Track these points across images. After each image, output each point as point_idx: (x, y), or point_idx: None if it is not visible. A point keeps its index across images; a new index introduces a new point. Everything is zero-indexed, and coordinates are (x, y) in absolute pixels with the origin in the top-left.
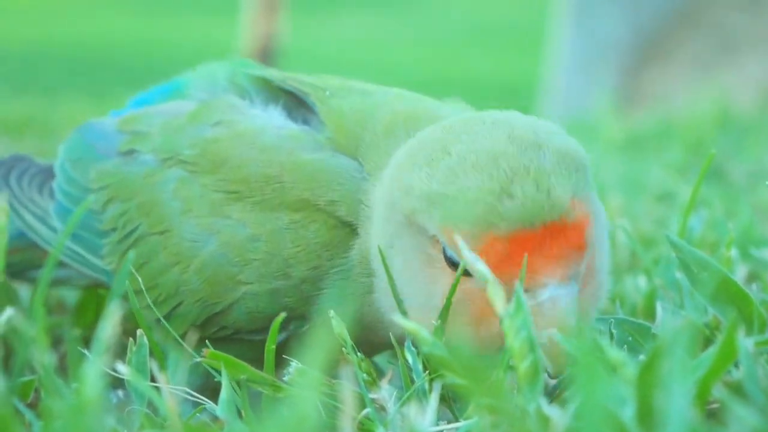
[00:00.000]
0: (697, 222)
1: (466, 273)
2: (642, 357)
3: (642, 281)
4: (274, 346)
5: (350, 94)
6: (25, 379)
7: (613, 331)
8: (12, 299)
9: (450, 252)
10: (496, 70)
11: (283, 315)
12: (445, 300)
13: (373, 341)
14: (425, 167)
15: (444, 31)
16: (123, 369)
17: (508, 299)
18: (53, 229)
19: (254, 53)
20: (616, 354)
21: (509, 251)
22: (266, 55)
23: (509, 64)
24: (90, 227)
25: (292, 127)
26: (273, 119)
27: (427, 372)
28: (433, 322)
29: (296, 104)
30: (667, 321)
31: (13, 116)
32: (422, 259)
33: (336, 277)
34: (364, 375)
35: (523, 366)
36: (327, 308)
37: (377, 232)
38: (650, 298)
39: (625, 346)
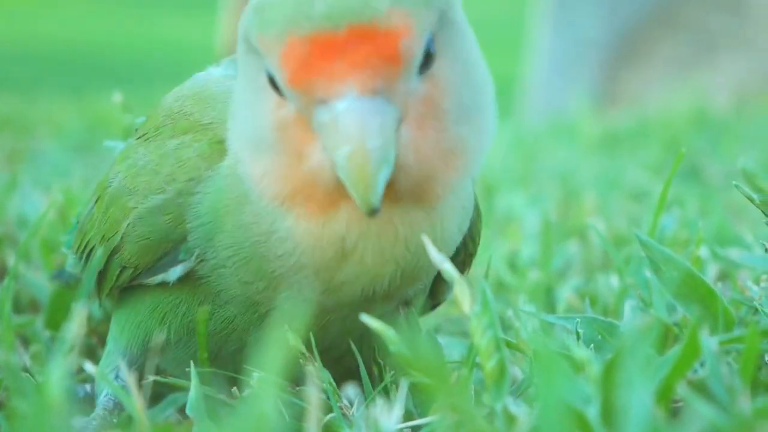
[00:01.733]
0: (669, 221)
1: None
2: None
3: (614, 280)
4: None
5: None
6: None
7: (580, 330)
8: None
9: (267, 66)
10: None
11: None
12: (268, 127)
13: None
14: None
15: None
16: (90, 367)
17: (306, 111)
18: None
19: (231, 51)
20: (580, 352)
21: (308, 55)
22: None
23: (489, 63)
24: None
25: (221, 73)
26: (212, 72)
27: (392, 371)
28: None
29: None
30: (634, 320)
31: None
32: (252, 86)
33: (208, 187)
34: (326, 384)
35: (490, 365)
36: (203, 216)
37: None
38: (621, 297)
39: (593, 345)
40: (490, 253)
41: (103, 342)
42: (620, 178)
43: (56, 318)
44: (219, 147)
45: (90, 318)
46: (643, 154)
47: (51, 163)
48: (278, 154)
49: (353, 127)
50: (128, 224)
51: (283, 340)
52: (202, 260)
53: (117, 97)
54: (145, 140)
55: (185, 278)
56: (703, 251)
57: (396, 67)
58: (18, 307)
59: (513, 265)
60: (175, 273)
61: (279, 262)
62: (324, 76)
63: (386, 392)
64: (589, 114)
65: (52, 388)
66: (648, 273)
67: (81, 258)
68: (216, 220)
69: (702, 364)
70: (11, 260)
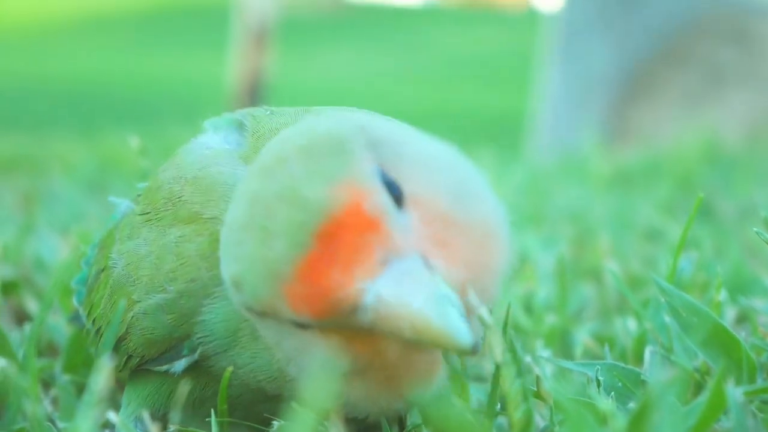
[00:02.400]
0: (686, 263)
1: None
2: (632, 405)
3: (631, 324)
4: (225, 407)
5: (290, 114)
6: (17, 427)
7: (600, 378)
8: (4, 344)
9: (291, 319)
10: (484, 104)
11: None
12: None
13: (266, 390)
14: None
15: (431, 65)
16: (114, 417)
17: (328, 337)
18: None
19: (242, 88)
20: (605, 404)
21: (309, 290)
22: (254, 90)
23: (497, 98)
24: (84, 282)
25: (220, 146)
26: (211, 142)
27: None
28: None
29: (242, 128)
30: (656, 368)
31: (2, 153)
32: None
33: (217, 292)
34: None
35: (517, 415)
36: (212, 331)
37: None
38: (640, 342)
39: (614, 392)
40: (510, 300)
41: (122, 386)
42: (633, 217)
43: (75, 362)
44: (217, 246)
45: None
46: (654, 191)
47: (65, 204)
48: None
49: (393, 305)
50: (132, 316)
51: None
52: (210, 358)
53: (134, 141)
54: (148, 221)
55: (191, 367)
56: (722, 295)
57: (378, 229)
58: (38, 351)
59: (528, 308)
60: (179, 366)
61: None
62: (339, 291)
63: None
64: (599, 151)
65: None
66: (667, 318)
67: (91, 329)
68: (231, 338)
69: (726, 414)
70: (29, 303)
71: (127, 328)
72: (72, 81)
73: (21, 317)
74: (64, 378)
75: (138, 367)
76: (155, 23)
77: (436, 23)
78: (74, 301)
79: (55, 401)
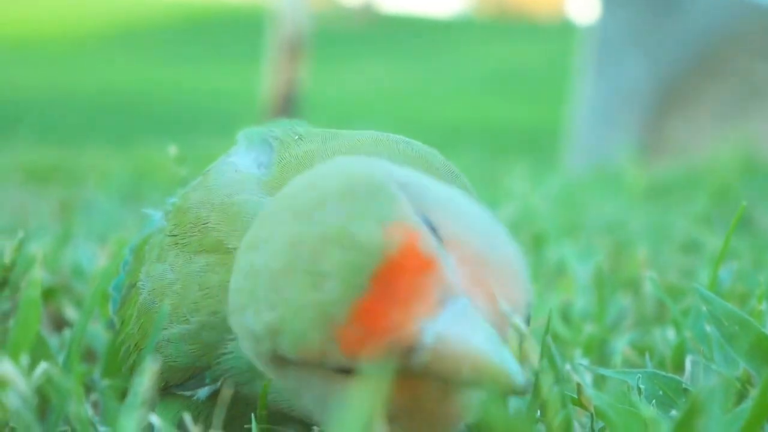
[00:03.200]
0: (726, 273)
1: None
2: (674, 412)
3: (670, 333)
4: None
5: (318, 138)
6: (60, 429)
7: (641, 386)
8: (42, 348)
9: (335, 366)
10: (517, 118)
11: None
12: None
13: (283, 411)
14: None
15: (465, 79)
16: (156, 420)
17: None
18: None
19: (276, 100)
20: (648, 410)
21: (364, 333)
22: (288, 102)
23: (530, 112)
24: (120, 289)
25: (249, 171)
26: (242, 162)
27: None
28: None
29: (270, 149)
30: (698, 376)
31: (38, 164)
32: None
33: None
34: None
35: (556, 421)
36: (233, 364)
37: None
38: (679, 351)
39: (655, 401)
40: (550, 308)
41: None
42: (669, 229)
43: (113, 367)
44: None
45: None
46: (691, 203)
47: (101, 213)
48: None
49: (454, 345)
50: (157, 343)
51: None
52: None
53: (172, 150)
54: (175, 244)
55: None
56: (764, 305)
57: (434, 270)
58: (78, 354)
59: (566, 317)
60: (203, 393)
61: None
62: (398, 331)
63: None
64: (634, 164)
65: None
66: (708, 327)
67: (122, 345)
68: (252, 371)
69: None
70: (67, 310)
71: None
72: (105, 93)
73: (59, 324)
74: (104, 383)
75: (164, 391)
76: (188, 35)
77: (469, 35)
78: (110, 309)
79: (95, 406)
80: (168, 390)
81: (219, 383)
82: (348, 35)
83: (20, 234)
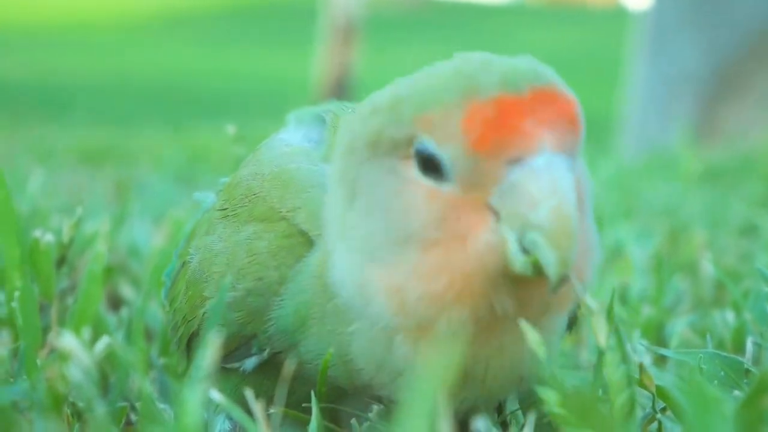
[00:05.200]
0: None
1: (439, 178)
2: (737, 393)
3: (729, 316)
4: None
5: None
6: (121, 405)
7: (703, 366)
8: (101, 326)
9: (428, 146)
10: None
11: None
12: (421, 219)
13: (341, 383)
14: (385, 92)
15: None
16: (217, 396)
17: (495, 181)
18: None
19: (328, 85)
20: (712, 390)
21: (497, 116)
22: (340, 86)
23: (584, 97)
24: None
25: (299, 144)
26: (292, 138)
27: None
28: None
29: (323, 124)
30: (761, 357)
31: (93, 145)
32: (391, 186)
33: (288, 291)
34: None
35: (620, 400)
36: (282, 326)
37: (332, 218)
38: (740, 333)
39: (716, 381)
40: (613, 289)
41: None
42: (726, 213)
43: (170, 346)
44: (290, 242)
45: None
46: (746, 188)
47: (155, 194)
48: (431, 247)
49: (556, 180)
50: (203, 313)
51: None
52: (279, 353)
53: (231, 129)
54: (224, 217)
55: (262, 364)
56: None
57: (577, 130)
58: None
59: (624, 299)
60: (249, 363)
61: (380, 379)
62: (517, 135)
63: (504, 427)
64: (689, 148)
65: (188, 416)
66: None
67: (171, 323)
68: (300, 329)
69: None
70: (124, 289)
71: (198, 325)
72: (158, 77)
73: (116, 302)
74: (161, 361)
75: None
76: (240, 20)
77: (522, 21)
78: (162, 294)
79: (152, 383)
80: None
81: (266, 352)
82: (401, 21)
83: (78, 212)
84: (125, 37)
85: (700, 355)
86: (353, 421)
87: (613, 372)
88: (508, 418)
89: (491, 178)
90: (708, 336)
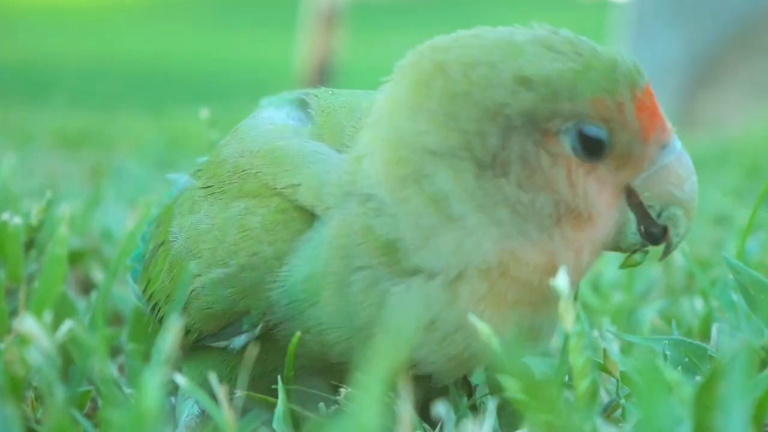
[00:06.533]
0: (754, 245)
1: (593, 157)
2: (698, 378)
3: (698, 303)
4: (293, 373)
5: (353, 93)
6: (83, 389)
7: (667, 352)
8: (69, 310)
9: (595, 128)
10: None
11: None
12: (572, 192)
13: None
14: (524, 59)
15: None
16: (181, 380)
17: (647, 164)
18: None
19: (311, 70)
20: (672, 374)
21: (652, 108)
22: (323, 71)
23: None
24: (140, 258)
25: (284, 122)
26: (274, 117)
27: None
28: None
29: (304, 106)
30: (723, 343)
31: (72, 129)
32: (546, 160)
33: (294, 261)
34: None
35: (583, 385)
36: (286, 295)
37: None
38: (707, 320)
39: (680, 367)
40: None
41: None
42: (701, 202)
43: (140, 331)
44: (284, 217)
45: None
46: (723, 177)
47: (132, 178)
48: (585, 222)
49: (689, 161)
50: (192, 291)
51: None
52: (273, 328)
53: (204, 113)
54: (210, 194)
55: (251, 343)
56: None
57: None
58: (104, 314)
59: (596, 287)
60: (238, 342)
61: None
62: (664, 123)
63: (474, 412)
64: None
65: (147, 399)
66: (735, 296)
67: (148, 305)
68: (310, 298)
69: None
70: (96, 273)
71: (186, 303)
72: (140, 61)
73: (87, 287)
74: (130, 346)
75: (196, 343)
76: (224, 4)
77: (507, 8)
78: (129, 278)
79: (121, 369)
80: (201, 343)
81: (258, 329)
82: (385, 6)
83: (48, 195)
84: (108, 20)
85: (665, 341)
86: (321, 404)
87: (576, 357)
88: (477, 402)
89: (644, 162)
90: (674, 322)
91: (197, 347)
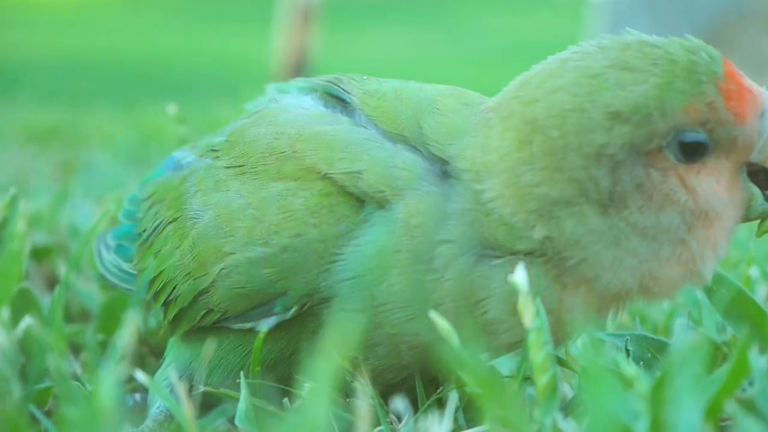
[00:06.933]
0: None
1: (697, 158)
2: (659, 373)
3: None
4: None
5: (396, 82)
6: (42, 386)
7: (629, 347)
8: (32, 306)
9: (694, 133)
10: None
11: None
12: (692, 197)
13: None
14: (608, 94)
15: (478, 49)
16: (141, 376)
17: (756, 138)
18: (109, 249)
19: (286, 66)
20: (629, 369)
21: (738, 89)
22: (299, 68)
23: None
24: (130, 236)
25: (318, 108)
26: (303, 103)
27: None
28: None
29: (332, 95)
30: (681, 337)
31: (42, 124)
32: (660, 181)
33: (361, 242)
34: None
35: (543, 380)
36: (351, 267)
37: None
38: (671, 316)
39: (642, 362)
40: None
41: (153, 352)
42: None
43: (107, 327)
44: (329, 201)
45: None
46: None
47: (103, 175)
48: (716, 219)
49: None
50: (222, 269)
51: (332, 355)
52: (307, 311)
53: (171, 109)
54: (241, 173)
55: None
56: (754, 271)
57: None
58: (69, 317)
59: None
60: (267, 324)
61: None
62: (753, 94)
63: (438, 406)
64: None
65: (102, 396)
66: (699, 293)
67: (149, 284)
68: (378, 276)
69: (751, 383)
70: (62, 269)
71: (212, 281)
72: (113, 56)
73: (54, 283)
74: (95, 338)
75: (215, 324)
76: None
77: (483, 8)
78: (107, 257)
79: (86, 365)
80: (220, 324)
81: (292, 311)
82: (362, 3)
83: (11, 191)
84: (79, 16)
85: (628, 337)
86: (285, 400)
87: (536, 353)
88: (444, 396)
89: (751, 139)
90: (637, 318)
91: (198, 330)
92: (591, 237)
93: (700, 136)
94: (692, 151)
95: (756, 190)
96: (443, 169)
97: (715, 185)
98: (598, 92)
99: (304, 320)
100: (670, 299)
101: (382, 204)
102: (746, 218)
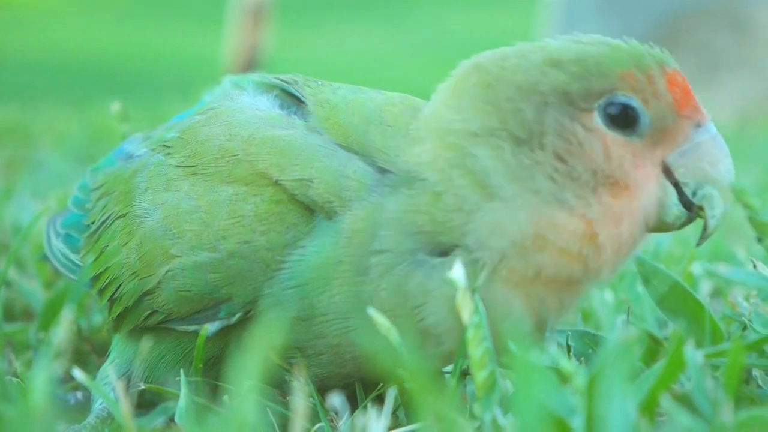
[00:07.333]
0: (665, 237)
1: (627, 131)
2: None
3: (609, 296)
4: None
5: (349, 90)
6: None
7: (571, 343)
8: None
9: (629, 100)
10: None
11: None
12: (614, 166)
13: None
14: (553, 47)
15: (432, 46)
16: (79, 374)
17: (681, 140)
18: (57, 236)
19: (238, 64)
20: (566, 364)
21: (685, 86)
22: (250, 66)
23: None
24: (79, 227)
25: (271, 110)
26: (258, 103)
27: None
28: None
29: (288, 96)
30: (617, 333)
31: None
32: (580, 134)
33: (307, 250)
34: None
35: (481, 376)
36: (298, 278)
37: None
38: (615, 313)
39: (583, 358)
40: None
41: (96, 350)
42: None
43: (49, 326)
44: (279, 209)
45: (82, 326)
46: None
47: (51, 173)
48: (621, 192)
49: (724, 144)
50: (168, 271)
51: (261, 352)
52: (252, 317)
53: (115, 106)
54: (191, 174)
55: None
56: (697, 268)
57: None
58: (11, 315)
59: None
60: (212, 328)
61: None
62: (698, 104)
63: (378, 403)
64: None
65: (36, 393)
66: (640, 288)
67: (95, 278)
68: (318, 287)
69: (689, 378)
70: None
71: (158, 283)
72: (67, 54)
73: None
74: (37, 337)
75: (158, 325)
76: None
77: (437, 6)
78: (55, 243)
79: (27, 364)
80: (164, 324)
81: (236, 317)
82: (314, 1)
83: None
84: (30, 12)
85: (569, 332)
86: (225, 397)
87: (475, 349)
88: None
89: (678, 137)
90: (579, 315)
91: (139, 330)
92: (499, 169)
93: (633, 101)
94: (622, 120)
95: (671, 189)
96: (392, 180)
97: (633, 162)
98: (543, 48)
99: (246, 325)
100: (579, 269)
101: (330, 215)
102: (662, 220)
